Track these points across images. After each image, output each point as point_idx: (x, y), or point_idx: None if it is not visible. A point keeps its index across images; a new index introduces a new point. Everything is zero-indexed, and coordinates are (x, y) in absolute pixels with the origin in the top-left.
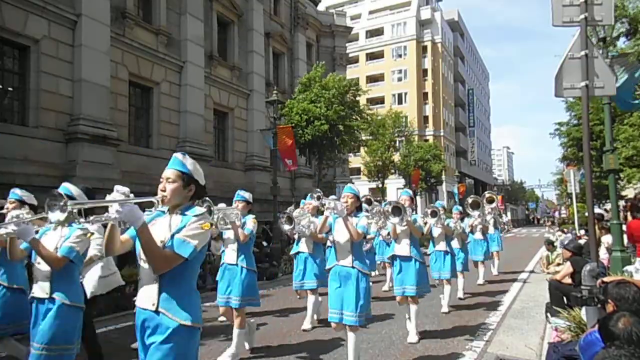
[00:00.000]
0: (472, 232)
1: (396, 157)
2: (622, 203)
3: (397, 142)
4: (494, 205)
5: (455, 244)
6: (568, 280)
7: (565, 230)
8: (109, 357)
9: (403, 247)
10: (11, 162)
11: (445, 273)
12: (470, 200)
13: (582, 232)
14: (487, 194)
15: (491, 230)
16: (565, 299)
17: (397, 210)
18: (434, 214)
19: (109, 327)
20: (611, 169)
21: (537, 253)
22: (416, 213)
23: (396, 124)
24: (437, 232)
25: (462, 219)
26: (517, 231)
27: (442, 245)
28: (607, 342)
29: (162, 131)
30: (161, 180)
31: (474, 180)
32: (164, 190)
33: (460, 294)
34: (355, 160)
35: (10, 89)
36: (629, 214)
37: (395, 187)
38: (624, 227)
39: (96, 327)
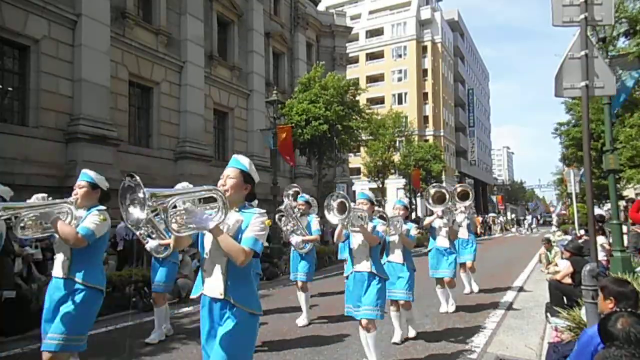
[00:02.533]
0: (432, 236)
1: (396, 157)
2: (622, 203)
3: (397, 142)
4: (468, 202)
5: (395, 256)
6: (568, 280)
7: (567, 230)
8: (109, 357)
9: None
10: (11, 162)
11: (362, 310)
12: (432, 191)
13: (582, 232)
14: (459, 187)
15: (464, 234)
16: (565, 299)
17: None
18: (342, 207)
19: (109, 327)
20: (611, 169)
21: (537, 253)
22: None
23: (396, 124)
24: (356, 242)
25: (408, 219)
26: (517, 231)
27: (364, 265)
28: (606, 343)
29: (162, 131)
30: (221, 177)
31: (474, 180)
32: (224, 186)
33: (397, 336)
34: (355, 160)
35: (10, 89)
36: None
37: (395, 187)
38: (624, 228)
39: (96, 327)
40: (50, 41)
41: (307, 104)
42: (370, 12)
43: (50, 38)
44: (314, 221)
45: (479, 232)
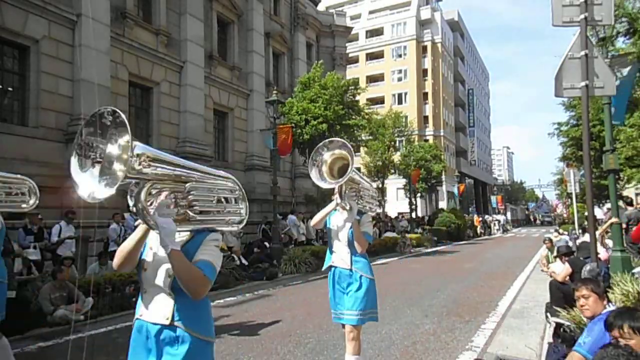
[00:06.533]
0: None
1: (396, 157)
2: (621, 203)
3: (397, 142)
4: (340, 180)
5: None
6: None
7: (562, 232)
8: (109, 357)
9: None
10: (11, 162)
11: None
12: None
13: (582, 231)
14: (327, 153)
15: (343, 259)
16: (565, 299)
17: None
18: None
19: (109, 327)
20: (611, 169)
21: (537, 253)
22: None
23: (396, 124)
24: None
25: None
26: (517, 231)
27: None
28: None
29: (162, 131)
30: None
31: (474, 180)
32: None
33: None
34: (355, 160)
35: (10, 89)
36: None
37: (395, 187)
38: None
39: (96, 327)
40: (50, 41)
41: (306, 103)
42: (370, 12)
43: (50, 38)
44: None
45: (479, 232)
